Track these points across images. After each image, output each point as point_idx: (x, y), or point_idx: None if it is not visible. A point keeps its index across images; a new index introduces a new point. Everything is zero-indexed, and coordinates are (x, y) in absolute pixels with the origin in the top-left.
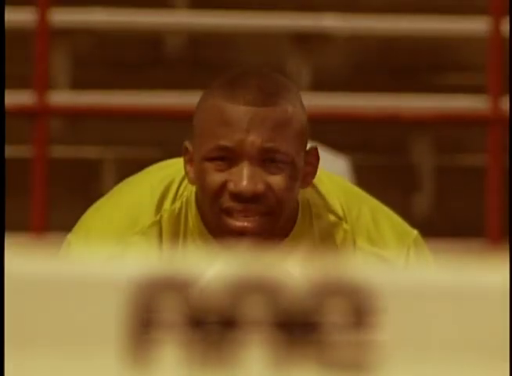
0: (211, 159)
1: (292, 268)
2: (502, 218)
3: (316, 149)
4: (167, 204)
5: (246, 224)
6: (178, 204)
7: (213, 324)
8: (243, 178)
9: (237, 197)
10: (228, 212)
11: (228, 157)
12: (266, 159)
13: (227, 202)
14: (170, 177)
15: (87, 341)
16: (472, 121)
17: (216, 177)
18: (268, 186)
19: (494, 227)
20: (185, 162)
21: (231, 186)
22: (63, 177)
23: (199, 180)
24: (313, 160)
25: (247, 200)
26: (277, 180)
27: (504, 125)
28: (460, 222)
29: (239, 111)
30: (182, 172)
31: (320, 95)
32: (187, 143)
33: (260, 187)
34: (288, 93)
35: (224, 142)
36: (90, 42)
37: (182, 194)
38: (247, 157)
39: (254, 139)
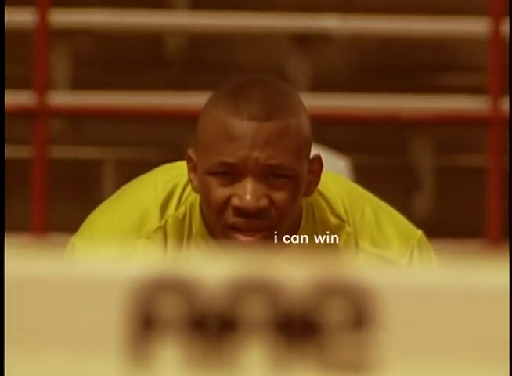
0: (215, 174)
1: (293, 269)
2: (502, 218)
3: (319, 157)
4: (171, 209)
5: (250, 239)
6: (182, 209)
7: (213, 324)
8: (247, 194)
9: (240, 212)
10: (233, 228)
11: (232, 173)
12: (269, 175)
13: (231, 218)
14: (174, 180)
15: (88, 341)
16: (472, 121)
17: (220, 192)
18: (272, 202)
19: (494, 227)
20: (189, 170)
21: (235, 200)
22: (63, 177)
23: (202, 192)
24: (316, 168)
25: (251, 216)
26: (280, 196)
27: (504, 125)
28: (460, 222)
29: (242, 126)
30: (186, 176)
31: (320, 96)
32: (190, 152)
33: (263, 203)
34: (291, 103)
35: (227, 159)
36: (90, 43)
37: (186, 199)
38: (251, 173)
39: (258, 156)
